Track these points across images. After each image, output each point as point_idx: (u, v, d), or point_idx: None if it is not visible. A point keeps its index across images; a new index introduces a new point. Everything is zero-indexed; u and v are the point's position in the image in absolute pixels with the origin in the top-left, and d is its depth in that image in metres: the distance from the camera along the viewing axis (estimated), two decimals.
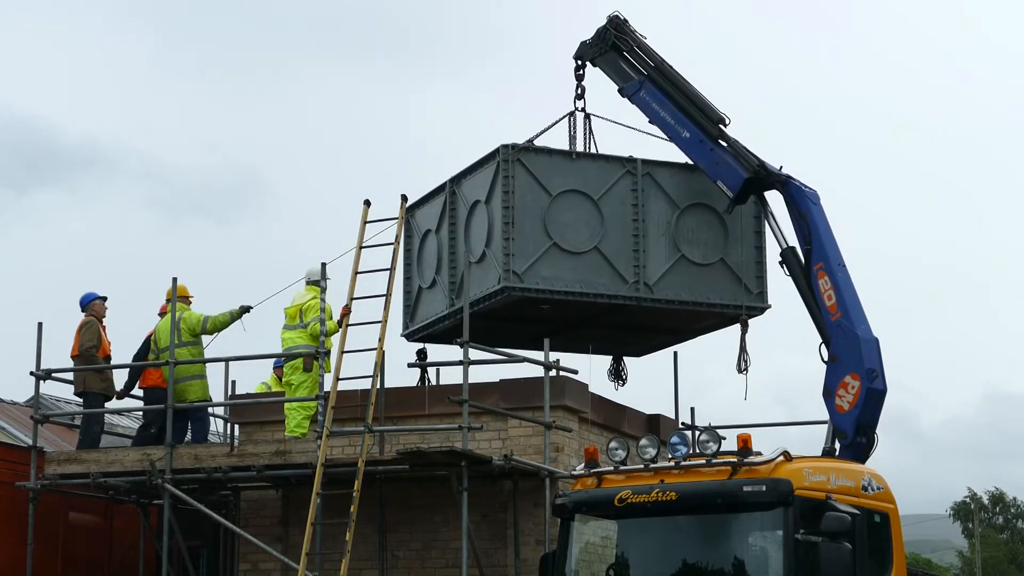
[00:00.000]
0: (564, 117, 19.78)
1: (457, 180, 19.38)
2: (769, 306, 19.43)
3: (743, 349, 18.98)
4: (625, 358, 21.26)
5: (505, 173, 18.35)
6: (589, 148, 19.68)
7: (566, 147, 19.36)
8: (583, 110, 19.91)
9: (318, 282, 18.25)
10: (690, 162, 19.21)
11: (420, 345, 20.33)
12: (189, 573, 19.18)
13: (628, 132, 19.74)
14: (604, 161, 19.18)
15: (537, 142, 18.99)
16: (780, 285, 18.46)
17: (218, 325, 19.38)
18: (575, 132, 19.71)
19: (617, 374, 21.11)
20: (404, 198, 18.25)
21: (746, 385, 18.86)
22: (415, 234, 20.30)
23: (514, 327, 19.47)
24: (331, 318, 18.06)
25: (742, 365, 18.94)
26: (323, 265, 18.05)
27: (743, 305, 19.09)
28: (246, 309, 19.34)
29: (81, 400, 20.03)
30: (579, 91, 20.01)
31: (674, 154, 19.36)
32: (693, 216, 19.24)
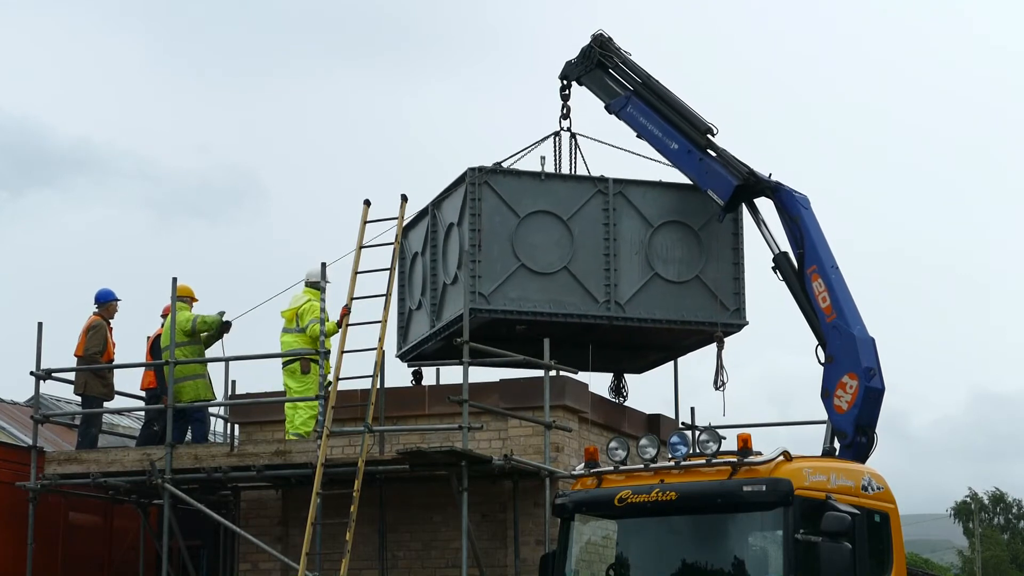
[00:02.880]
0: (549, 137, 19.81)
1: (437, 203, 19.43)
2: (747, 323, 19.33)
3: (720, 367, 18.81)
4: (625, 375, 21.13)
5: (472, 196, 18.36)
6: (575, 167, 19.66)
7: (550, 167, 19.27)
8: (569, 130, 19.91)
9: (317, 284, 18.26)
10: (663, 180, 19.23)
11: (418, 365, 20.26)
12: (189, 573, 19.20)
13: (614, 150, 19.73)
14: (575, 181, 19.15)
15: (523, 161, 19.06)
16: (776, 287, 18.44)
17: (206, 325, 19.42)
18: (560, 151, 19.69)
19: (618, 391, 20.99)
20: (404, 198, 18.26)
21: (723, 402, 18.72)
22: (406, 256, 20.32)
23: (502, 348, 19.37)
24: (330, 318, 18.06)
25: (719, 382, 18.82)
26: (323, 265, 18.07)
27: (719, 323, 19.01)
28: (227, 326, 19.42)
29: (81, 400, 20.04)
30: (564, 111, 20.01)
31: (649, 172, 19.41)
32: (667, 234, 19.17)
